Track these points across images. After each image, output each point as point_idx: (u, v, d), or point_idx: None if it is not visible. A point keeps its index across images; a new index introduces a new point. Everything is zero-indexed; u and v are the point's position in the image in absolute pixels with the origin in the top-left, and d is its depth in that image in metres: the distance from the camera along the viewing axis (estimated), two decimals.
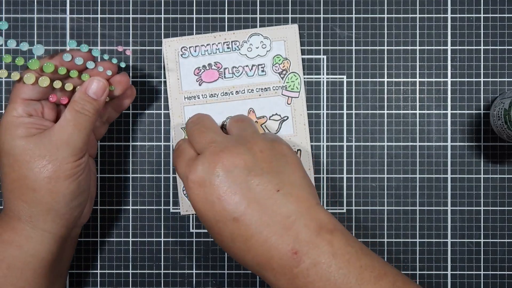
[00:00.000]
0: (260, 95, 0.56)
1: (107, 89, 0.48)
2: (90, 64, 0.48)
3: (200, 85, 0.56)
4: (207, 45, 0.56)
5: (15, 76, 0.47)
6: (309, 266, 0.41)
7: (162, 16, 0.56)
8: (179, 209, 0.56)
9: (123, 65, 0.50)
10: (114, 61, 0.49)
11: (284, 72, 0.56)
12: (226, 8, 0.56)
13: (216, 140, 0.46)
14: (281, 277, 0.42)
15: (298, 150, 0.56)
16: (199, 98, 0.56)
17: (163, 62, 0.56)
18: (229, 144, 0.45)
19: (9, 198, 0.47)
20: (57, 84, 0.48)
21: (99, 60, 0.52)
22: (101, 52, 0.50)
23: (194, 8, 0.56)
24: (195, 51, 0.56)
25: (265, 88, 0.56)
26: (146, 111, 0.56)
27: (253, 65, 0.56)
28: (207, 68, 0.56)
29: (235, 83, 0.56)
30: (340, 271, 0.41)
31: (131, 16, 0.56)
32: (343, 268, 0.41)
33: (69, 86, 0.48)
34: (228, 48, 0.56)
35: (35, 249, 0.47)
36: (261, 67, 0.56)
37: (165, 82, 0.56)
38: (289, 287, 0.41)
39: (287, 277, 0.41)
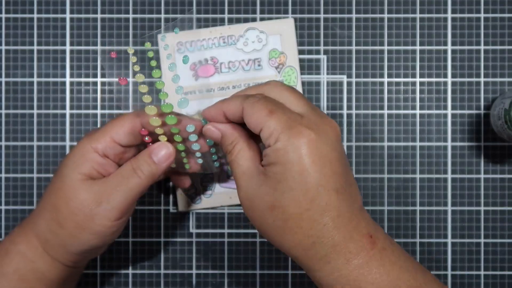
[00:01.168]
0: None
1: (172, 158, 0.47)
2: (193, 137, 0.47)
3: (196, 80, 0.56)
4: (203, 40, 0.56)
5: (155, 122, 0.45)
6: (381, 250, 0.41)
7: (162, 16, 0.56)
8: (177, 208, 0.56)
9: (210, 143, 0.49)
10: (210, 143, 0.48)
11: (280, 66, 0.55)
12: (226, 8, 0.56)
13: (315, 107, 0.43)
14: (354, 260, 0.40)
15: None
16: (195, 93, 0.56)
17: (159, 58, 0.56)
18: (326, 115, 0.43)
19: (39, 212, 0.47)
20: (162, 138, 0.47)
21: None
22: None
23: (194, 8, 0.56)
24: (191, 46, 0.56)
25: (261, 83, 0.56)
26: None
27: (249, 60, 0.56)
28: (203, 63, 0.56)
29: (231, 77, 0.56)
30: (400, 257, 0.41)
31: (131, 16, 0.56)
32: (401, 255, 0.42)
33: (162, 138, 0.47)
34: (224, 42, 0.56)
35: (45, 268, 0.47)
36: (258, 62, 0.56)
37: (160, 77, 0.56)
38: (358, 273, 0.40)
39: (362, 261, 0.40)
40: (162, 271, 0.57)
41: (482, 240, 0.56)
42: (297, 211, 0.40)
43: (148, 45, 0.46)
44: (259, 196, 0.41)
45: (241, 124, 0.44)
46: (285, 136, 0.40)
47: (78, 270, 0.51)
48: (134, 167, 0.46)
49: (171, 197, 0.56)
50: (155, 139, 0.47)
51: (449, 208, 0.56)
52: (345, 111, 0.56)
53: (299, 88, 0.56)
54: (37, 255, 0.46)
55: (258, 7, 0.56)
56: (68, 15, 0.56)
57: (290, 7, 0.56)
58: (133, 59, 0.44)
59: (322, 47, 0.56)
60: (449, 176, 0.56)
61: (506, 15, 0.56)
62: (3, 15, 0.56)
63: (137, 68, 0.44)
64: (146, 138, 0.47)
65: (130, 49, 0.45)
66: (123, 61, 0.56)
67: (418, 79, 0.56)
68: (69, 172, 0.45)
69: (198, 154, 0.49)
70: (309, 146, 0.39)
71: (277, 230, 0.41)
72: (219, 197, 0.56)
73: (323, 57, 0.56)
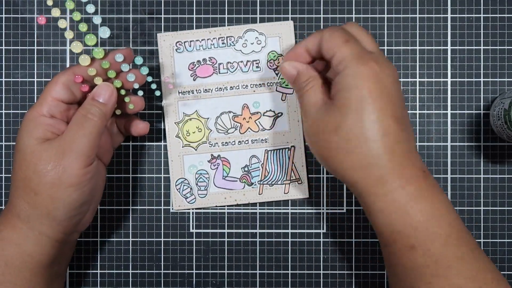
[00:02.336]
0: (254, 91, 0.56)
1: (115, 94, 0.48)
2: (125, 67, 0.48)
3: (194, 80, 0.56)
4: (202, 40, 0.56)
5: (85, 61, 0.47)
6: (432, 185, 0.45)
7: (162, 16, 0.56)
8: (172, 206, 0.56)
9: (145, 71, 0.50)
10: (144, 71, 0.49)
11: (279, 69, 0.55)
12: (226, 8, 0.56)
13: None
14: (408, 187, 0.44)
15: (292, 146, 0.56)
16: (193, 93, 0.56)
17: (159, 57, 0.56)
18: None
19: (14, 194, 0.47)
20: (98, 80, 0.48)
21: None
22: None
23: (194, 8, 0.56)
24: (190, 46, 0.56)
25: (259, 84, 0.56)
26: (146, 112, 0.56)
27: (247, 61, 0.56)
28: (202, 63, 0.56)
29: (229, 78, 0.56)
30: (446, 199, 0.45)
31: (131, 16, 0.56)
32: (447, 199, 0.45)
33: (98, 80, 0.48)
34: (223, 43, 0.56)
35: (32, 249, 0.47)
36: (256, 63, 0.56)
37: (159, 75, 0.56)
38: (412, 197, 0.44)
39: (415, 188, 0.44)
40: (162, 271, 0.57)
41: (482, 240, 0.56)
42: (360, 131, 0.44)
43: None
44: (326, 120, 0.45)
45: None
46: (354, 63, 0.44)
47: (67, 248, 0.51)
48: (84, 113, 0.47)
49: (171, 197, 0.56)
50: (91, 86, 0.49)
51: None
52: None
53: None
54: (22, 237, 0.47)
55: (258, 8, 0.56)
56: (68, 15, 0.56)
57: (290, 8, 0.56)
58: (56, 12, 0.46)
59: None
60: (449, 176, 0.56)
61: (506, 15, 0.56)
62: (3, 15, 0.56)
63: (70, 35, 0.47)
64: (83, 86, 0.48)
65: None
66: None
67: (418, 79, 0.56)
68: (25, 142, 0.46)
69: (136, 86, 0.50)
70: (373, 75, 0.44)
71: (338, 151, 0.45)
72: (214, 197, 0.56)
73: None
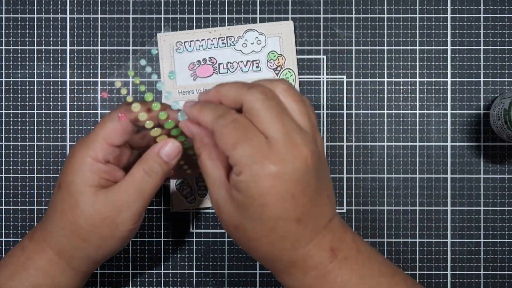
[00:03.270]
0: None
1: (180, 152, 0.46)
2: (183, 116, 0.45)
3: (194, 80, 0.56)
4: (202, 40, 0.56)
5: (136, 108, 0.44)
6: (341, 260, 0.42)
7: (162, 16, 0.56)
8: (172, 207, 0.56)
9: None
10: None
11: (278, 69, 0.56)
12: (226, 8, 0.56)
13: (294, 129, 0.41)
14: (312, 272, 0.42)
15: None
16: (193, 93, 0.56)
17: (159, 57, 0.56)
18: (306, 138, 0.41)
19: (56, 231, 0.46)
20: (156, 132, 0.46)
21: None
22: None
23: (194, 8, 0.56)
24: (190, 46, 0.56)
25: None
26: None
27: (247, 61, 0.56)
28: (202, 63, 0.56)
29: (229, 78, 0.56)
30: (364, 265, 0.43)
31: (131, 16, 0.56)
32: (366, 263, 0.43)
33: (156, 131, 0.46)
34: (223, 43, 0.56)
35: (66, 282, 0.47)
36: (256, 63, 0.56)
37: (158, 74, 0.56)
38: (315, 281, 0.42)
39: (319, 273, 0.42)
40: (162, 271, 0.57)
41: (482, 240, 0.56)
42: (257, 236, 0.41)
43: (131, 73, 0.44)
44: (225, 213, 0.42)
45: None
46: (248, 170, 0.39)
47: (87, 276, 0.51)
48: (146, 170, 0.45)
49: (171, 197, 0.56)
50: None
51: (449, 208, 0.56)
52: (345, 111, 0.56)
53: (297, 89, 0.56)
54: (58, 271, 0.47)
55: (258, 8, 0.56)
56: (68, 15, 0.57)
57: (290, 8, 0.56)
58: (124, 90, 0.44)
59: (322, 47, 0.56)
60: (449, 176, 0.56)
61: (506, 15, 0.56)
62: (3, 15, 0.56)
63: (130, 99, 0.44)
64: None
65: (131, 72, 0.44)
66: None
67: (418, 79, 0.56)
68: (79, 187, 0.45)
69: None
70: (272, 181, 0.39)
71: (242, 244, 0.43)
72: None
73: (323, 57, 0.56)
